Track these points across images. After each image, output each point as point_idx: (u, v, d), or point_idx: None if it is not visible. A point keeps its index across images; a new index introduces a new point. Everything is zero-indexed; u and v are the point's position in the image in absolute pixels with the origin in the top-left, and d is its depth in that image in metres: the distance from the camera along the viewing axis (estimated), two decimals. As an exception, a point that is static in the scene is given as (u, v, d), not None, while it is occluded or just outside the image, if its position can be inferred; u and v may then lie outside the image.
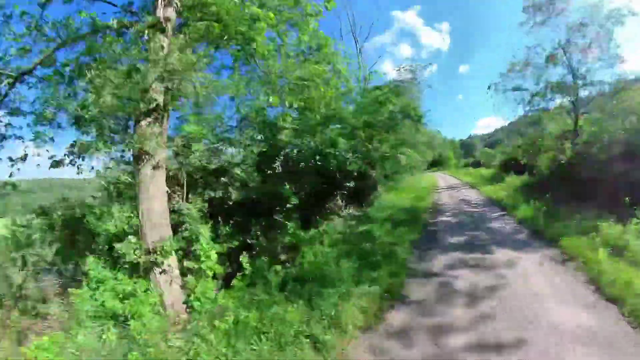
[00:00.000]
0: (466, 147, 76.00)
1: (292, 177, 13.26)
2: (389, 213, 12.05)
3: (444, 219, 11.21)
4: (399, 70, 17.84)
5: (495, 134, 75.86)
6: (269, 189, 8.95)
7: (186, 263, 5.65)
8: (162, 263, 4.98)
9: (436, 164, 57.54)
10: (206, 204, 7.46)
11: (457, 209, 12.91)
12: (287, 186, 10.27)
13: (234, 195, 8.46)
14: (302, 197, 13.68)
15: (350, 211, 13.76)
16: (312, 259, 6.74)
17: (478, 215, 11.15)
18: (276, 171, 10.06)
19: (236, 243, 7.55)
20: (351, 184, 14.51)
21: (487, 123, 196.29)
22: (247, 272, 5.97)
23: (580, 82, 15.36)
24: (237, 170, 8.52)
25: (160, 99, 5.20)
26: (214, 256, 5.84)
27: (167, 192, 6.30)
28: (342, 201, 14.34)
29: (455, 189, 21.70)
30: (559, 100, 16.73)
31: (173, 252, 5.22)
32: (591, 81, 15.35)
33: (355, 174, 15.01)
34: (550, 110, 17.20)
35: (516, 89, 17.27)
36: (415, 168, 24.63)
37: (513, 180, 17.90)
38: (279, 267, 6.06)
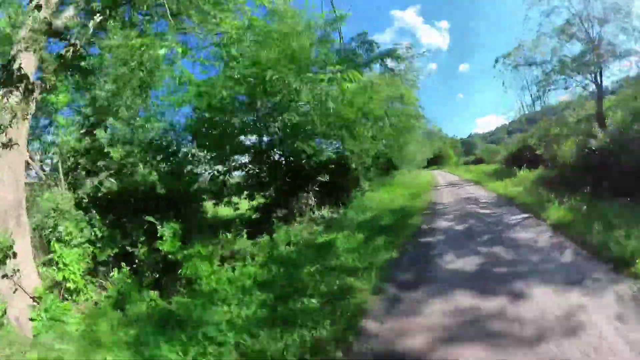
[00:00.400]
0: (467, 146, 74.19)
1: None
2: (370, 215, 9.42)
3: (444, 224, 8.06)
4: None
5: (496, 132, 74.90)
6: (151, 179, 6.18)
7: (42, 270, 4.77)
8: (4, 264, 4.12)
9: (435, 162, 54.39)
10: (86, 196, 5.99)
11: (462, 211, 9.73)
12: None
13: (107, 184, 5.73)
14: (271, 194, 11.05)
15: (324, 212, 10.99)
16: (213, 285, 4.79)
17: (492, 220, 7.87)
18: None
19: (116, 250, 6.01)
20: (325, 178, 11.67)
21: (488, 121, 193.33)
22: (110, 292, 5.16)
23: (602, 51, 12.48)
24: (115, 152, 5.70)
25: (28, 66, 4.65)
26: (75, 266, 4.90)
27: (42, 178, 5.85)
28: (313, 199, 11.47)
29: (457, 186, 18.82)
30: (579, 77, 13.94)
31: (29, 253, 4.43)
32: (616, 51, 12.51)
33: (332, 165, 12.17)
34: (568, 89, 14.42)
35: (529, 63, 14.48)
36: (412, 160, 21.87)
37: (525, 174, 15.16)
38: (154, 294, 4.94)
